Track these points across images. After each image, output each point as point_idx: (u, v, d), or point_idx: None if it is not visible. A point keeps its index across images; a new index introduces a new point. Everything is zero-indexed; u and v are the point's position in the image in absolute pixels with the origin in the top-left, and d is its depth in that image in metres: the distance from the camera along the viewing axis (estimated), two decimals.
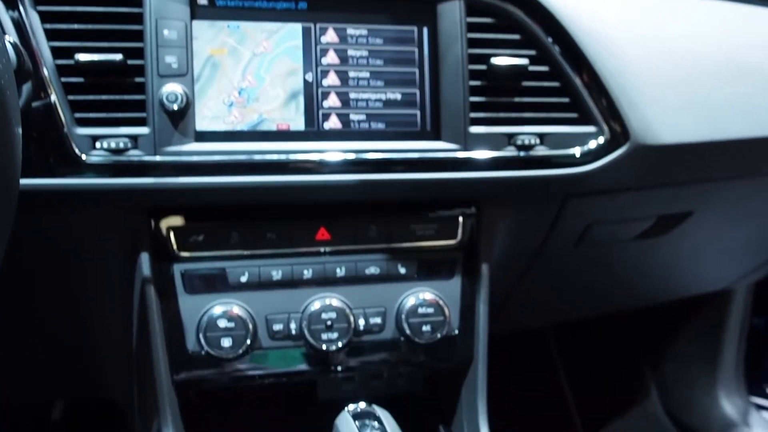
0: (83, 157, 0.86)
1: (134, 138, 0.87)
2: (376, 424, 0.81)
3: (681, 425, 2.14)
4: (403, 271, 1.02)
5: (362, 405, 0.85)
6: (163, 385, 0.96)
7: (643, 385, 2.23)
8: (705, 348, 2.08)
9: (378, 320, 1.01)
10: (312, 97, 0.94)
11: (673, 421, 2.17)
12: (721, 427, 2.04)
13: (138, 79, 0.89)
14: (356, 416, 0.82)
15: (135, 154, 0.87)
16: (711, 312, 2.03)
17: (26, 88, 0.82)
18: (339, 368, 1.03)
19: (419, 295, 1.02)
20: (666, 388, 2.20)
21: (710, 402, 2.09)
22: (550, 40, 1.00)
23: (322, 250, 1.00)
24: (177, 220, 0.95)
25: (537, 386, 2.36)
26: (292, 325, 0.99)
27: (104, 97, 0.88)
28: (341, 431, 0.80)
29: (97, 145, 0.86)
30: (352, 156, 0.93)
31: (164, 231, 0.95)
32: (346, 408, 0.84)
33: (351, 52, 0.96)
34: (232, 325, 0.95)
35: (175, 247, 0.95)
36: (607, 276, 1.44)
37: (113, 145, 0.86)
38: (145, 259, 0.95)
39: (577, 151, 1.00)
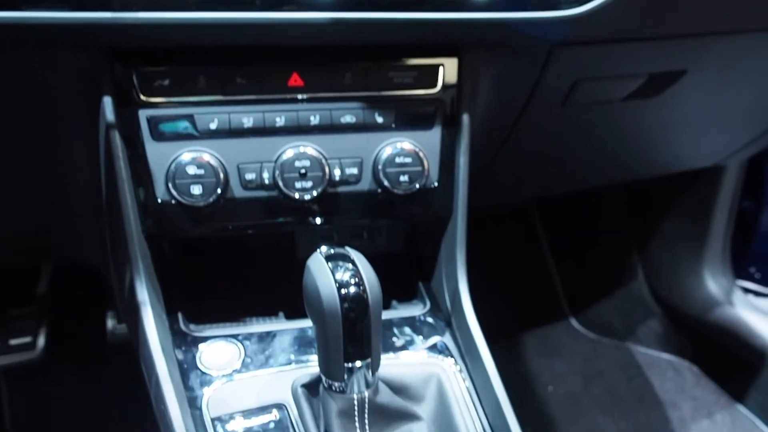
0: None
1: None
2: (349, 265, 0.79)
3: (665, 305, 2.17)
4: (380, 120, 0.98)
5: (336, 248, 0.83)
6: (133, 235, 0.94)
7: (630, 265, 2.25)
8: (693, 227, 2.08)
9: (354, 170, 0.98)
10: None
11: (658, 301, 2.20)
12: (705, 305, 2.07)
13: None
14: (329, 257, 0.80)
15: None
16: (700, 190, 2.02)
17: None
18: (315, 220, 1.01)
19: (397, 145, 0.99)
20: (652, 268, 2.21)
21: (695, 281, 2.10)
22: None
23: (295, 97, 0.96)
24: (140, 62, 0.90)
25: (522, 264, 2.37)
26: (265, 174, 0.96)
27: None
28: (313, 272, 0.78)
29: None
30: None
31: (127, 74, 0.90)
32: (319, 249, 0.82)
33: None
34: (201, 172, 0.92)
35: (139, 91, 0.91)
36: (595, 143, 1.41)
37: None
38: (108, 103, 0.91)
39: None
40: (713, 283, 2.10)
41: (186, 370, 0.93)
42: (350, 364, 0.80)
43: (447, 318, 1.06)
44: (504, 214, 2.26)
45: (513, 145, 1.26)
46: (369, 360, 0.81)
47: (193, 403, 0.89)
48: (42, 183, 1.06)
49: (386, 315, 1.06)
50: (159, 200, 0.94)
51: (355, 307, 0.77)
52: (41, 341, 1.69)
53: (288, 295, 1.01)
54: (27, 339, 1.69)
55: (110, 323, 1.55)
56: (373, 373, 0.83)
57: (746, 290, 2.17)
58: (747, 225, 2.17)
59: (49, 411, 1.73)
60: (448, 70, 1.00)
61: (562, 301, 2.34)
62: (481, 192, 1.33)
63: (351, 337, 0.78)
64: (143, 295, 0.94)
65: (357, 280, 0.78)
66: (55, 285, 1.79)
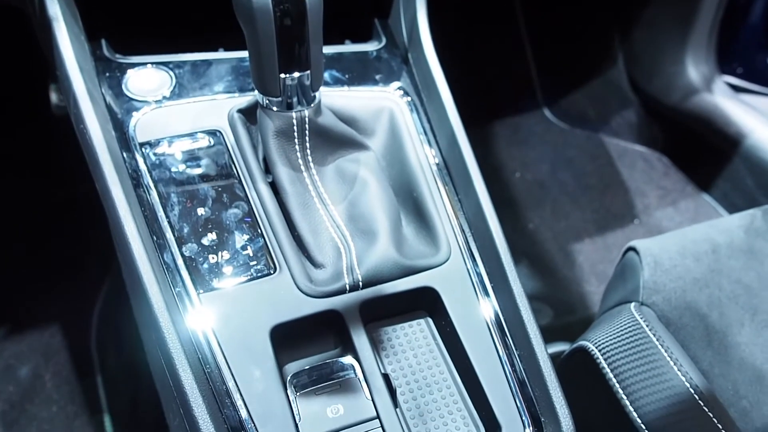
0: None
1: None
2: None
3: (643, 93, 2.10)
4: None
5: None
6: None
7: (610, 52, 2.14)
8: (679, 11, 1.96)
9: None
10: None
11: (636, 90, 2.13)
12: (685, 93, 2.00)
13: None
14: None
15: None
16: None
17: None
18: None
19: None
20: (633, 56, 2.12)
21: (677, 69, 2.02)
22: None
23: None
24: None
25: (497, 50, 2.26)
26: None
27: None
28: None
29: None
30: None
31: None
32: None
33: None
34: None
35: None
36: None
37: None
38: None
39: None
40: (695, 72, 2.02)
41: (111, 96, 0.85)
42: (287, 75, 0.72)
43: (404, 54, 0.97)
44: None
45: None
46: (308, 72, 0.73)
47: (118, 128, 0.82)
48: None
49: (337, 49, 0.96)
50: None
51: (290, 8, 0.67)
52: None
53: (228, 27, 0.90)
54: None
55: (54, 96, 1.45)
56: (313, 90, 0.75)
57: (729, 85, 2.10)
58: (736, 17, 2.05)
59: None
60: None
61: (536, 90, 2.26)
62: None
63: (286, 42, 0.69)
64: (54, 8, 0.83)
65: None
66: None
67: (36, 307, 1.51)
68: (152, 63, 0.90)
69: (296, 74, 0.72)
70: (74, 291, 1.53)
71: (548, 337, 1.45)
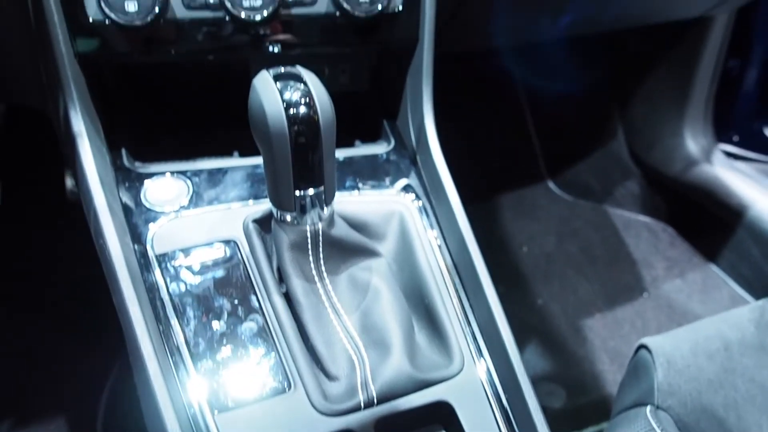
0: None
1: None
2: (299, 85, 0.71)
3: (644, 165, 2.13)
4: None
5: (286, 67, 0.75)
6: (63, 57, 0.85)
7: (610, 125, 2.19)
8: (675, 85, 2.01)
9: None
10: None
11: (637, 162, 2.16)
12: (684, 165, 2.03)
13: None
14: (277, 77, 0.72)
15: None
16: (684, 46, 1.92)
17: None
18: (268, 46, 0.92)
19: None
20: (632, 128, 2.16)
21: (676, 141, 2.05)
22: None
23: None
24: None
25: (501, 124, 2.31)
26: None
27: None
28: (259, 90, 0.71)
29: None
30: None
31: None
32: (265, 68, 0.74)
33: None
34: None
35: None
36: None
37: None
38: None
39: None
40: (693, 143, 2.05)
41: (129, 207, 0.87)
42: (301, 193, 0.74)
43: (412, 156, 1.00)
44: (483, 71, 2.16)
45: None
46: (322, 188, 0.75)
47: (137, 240, 0.84)
48: None
49: (347, 153, 0.99)
50: (91, 19, 0.84)
51: (305, 129, 0.70)
52: None
53: (242, 134, 0.93)
54: None
55: (69, 182, 1.48)
56: (327, 204, 0.77)
57: (727, 153, 2.13)
58: (731, 86, 2.10)
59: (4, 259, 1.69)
60: None
61: (540, 162, 2.29)
62: (455, 31, 1.23)
63: (301, 161, 0.72)
64: (78, 125, 0.86)
65: (307, 100, 0.70)
66: (8, 136, 1.70)
67: (43, 398, 1.51)
68: (170, 171, 0.92)
69: (311, 191, 0.74)
70: (84, 379, 1.53)
71: (562, 424, 1.44)
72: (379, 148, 1.02)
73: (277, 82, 0.71)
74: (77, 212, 0.98)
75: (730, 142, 2.16)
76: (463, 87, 2.18)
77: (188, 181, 0.91)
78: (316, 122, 0.70)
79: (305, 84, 0.71)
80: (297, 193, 0.74)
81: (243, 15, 0.86)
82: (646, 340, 0.90)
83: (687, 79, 1.99)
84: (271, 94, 0.70)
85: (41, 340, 1.60)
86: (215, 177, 0.93)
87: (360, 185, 0.95)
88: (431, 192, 0.95)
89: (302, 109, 0.69)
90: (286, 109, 0.69)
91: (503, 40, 1.52)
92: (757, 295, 1.84)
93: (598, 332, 1.75)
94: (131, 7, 0.83)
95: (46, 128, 1.40)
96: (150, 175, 0.91)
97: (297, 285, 0.78)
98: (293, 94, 0.70)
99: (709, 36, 1.90)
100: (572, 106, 2.27)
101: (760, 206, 1.84)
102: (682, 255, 2.03)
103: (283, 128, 0.69)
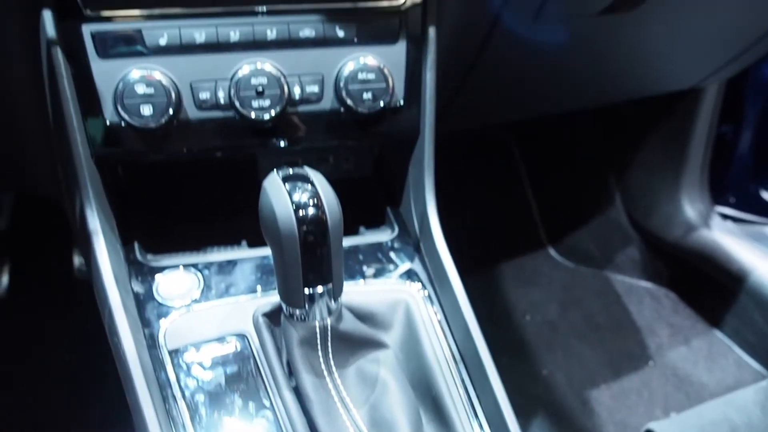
0: None
1: None
2: (308, 186, 0.74)
3: (643, 231, 2.16)
4: (341, 34, 0.92)
5: (295, 168, 0.79)
6: (81, 159, 0.88)
7: (608, 192, 2.22)
8: (670, 153, 2.05)
9: (315, 88, 0.93)
10: None
11: (636, 228, 2.18)
12: (683, 231, 2.05)
13: None
14: (286, 178, 0.75)
15: None
16: (677, 115, 1.97)
17: None
18: (276, 142, 0.95)
19: (360, 60, 0.93)
20: (630, 195, 2.19)
21: (673, 207, 2.08)
22: None
23: (250, 9, 0.89)
24: None
25: (499, 192, 2.34)
26: (220, 93, 0.90)
27: None
28: (269, 193, 0.74)
29: None
30: None
31: None
32: (275, 170, 0.77)
33: None
34: (151, 90, 0.86)
35: (81, 3, 0.84)
36: (569, 63, 1.35)
37: None
38: (48, 17, 0.84)
39: None
40: (691, 209, 2.08)
41: (142, 301, 0.89)
42: (310, 290, 0.76)
43: (415, 243, 1.03)
44: (481, 141, 2.22)
45: (485, 62, 1.20)
46: (330, 285, 0.77)
47: (150, 336, 0.86)
48: None
49: (353, 241, 1.02)
50: (108, 122, 0.88)
51: (314, 229, 0.73)
52: (4, 280, 1.64)
53: (250, 223, 0.96)
54: None
55: (77, 260, 1.50)
56: (335, 300, 0.79)
57: (724, 216, 2.16)
58: (725, 150, 2.14)
59: (13, 348, 1.70)
60: None
61: (539, 230, 2.32)
62: (454, 113, 1.28)
63: (310, 261, 0.74)
64: (94, 223, 0.89)
65: (316, 201, 0.73)
66: (18, 220, 1.73)
67: None
68: (182, 264, 0.95)
69: (320, 288, 0.76)
70: None
71: None
72: (383, 236, 1.05)
73: (286, 184, 0.74)
74: (86, 291, 1.01)
75: (726, 204, 2.19)
76: (461, 155, 2.23)
77: (199, 274, 0.94)
78: (324, 222, 0.73)
79: (313, 185, 0.75)
80: (306, 290, 0.76)
81: (253, 115, 0.90)
82: (653, 425, 0.91)
83: (681, 147, 2.03)
84: (280, 197, 0.73)
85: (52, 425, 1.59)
86: (225, 269, 0.95)
87: (365, 274, 0.98)
88: (435, 280, 0.97)
89: (311, 210, 0.73)
90: (296, 211, 0.72)
91: (500, 119, 1.57)
92: (763, 360, 1.84)
93: (605, 404, 1.75)
94: (146, 110, 0.87)
95: (53, 212, 1.43)
96: (161, 269, 0.94)
97: (307, 380, 0.79)
98: (302, 195, 0.73)
99: (700, 105, 1.95)
100: (570, 173, 2.31)
101: (760, 272, 1.85)
102: (686, 321, 2.04)
103: (293, 229, 0.72)
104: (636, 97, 1.76)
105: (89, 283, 0.91)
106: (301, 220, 0.72)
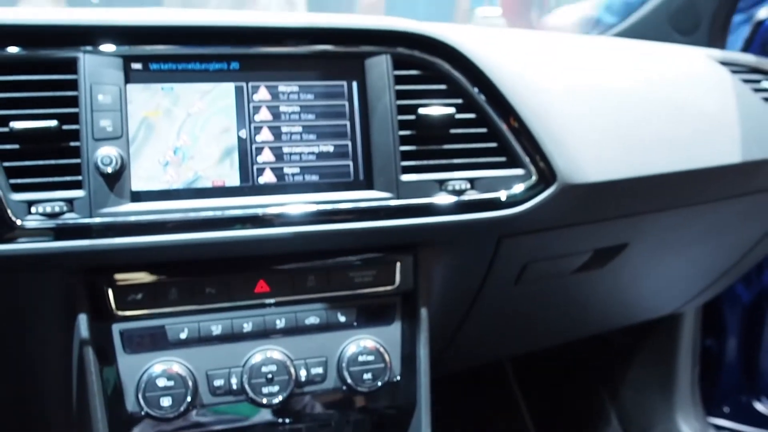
0: (18, 222, 0.86)
1: (70, 201, 0.88)
2: None
3: None
4: (342, 319, 1.04)
5: None
6: None
7: (603, 412, 2.25)
8: (659, 373, 2.12)
9: (319, 370, 1.02)
10: (246, 152, 0.96)
11: None
12: None
13: (73, 144, 0.89)
14: None
15: (71, 217, 0.88)
16: (662, 337, 2.07)
17: None
18: (282, 420, 1.03)
19: (360, 343, 1.03)
20: (626, 415, 2.22)
21: (669, 426, 2.11)
22: (475, 89, 1.03)
23: (261, 302, 1.01)
24: (115, 280, 0.95)
25: (496, 419, 2.36)
26: (233, 380, 0.99)
27: (40, 162, 0.88)
28: None
29: (33, 209, 0.87)
30: (287, 209, 0.95)
31: (102, 291, 0.95)
32: None
33: (283, 108, 0.98)
34: (171, 383, 0.95)
35: (113, 306, 0.95)
36: (551, 310, 1.47)
37: (49, 209, 0.87)
38: (83, 320, 0.95)
39: (506, 194, 1.03)
40: (686, 427, 2.11)
41: None
42: None
43: None
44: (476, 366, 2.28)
45: (471, 321, 1.31)
46: None
47: None
48: (12, 392, 1.08)
49: None
50: (129, 412, 0.96)
51: None
52: None
53: None
54: None
55: None
56: None
57: (719, 428, 2.18)
58: (713, 363, 2.21)
59: None
60: (404, 266, 1.07)
61: None
62: (447, 359, 1.37)
63: None
64: None
65: None
66: None
67: None
68: None
69: None
70: None
71: None
72: None
73: None
74: None
75: (721, 414, 2.22)
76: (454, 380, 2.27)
77: None
78: None
79: None
80: None
81: (264, 401, 0.99)
82: None
83: (669, 366, 2.10)
84: None
85: None
86: None
87: None
88: None
89: None
90: None
91: (492, 359, 1.66)
92: None
93: None
94: (166, 402, 0.95)
95: None
96: None
97: None
98: None
99: (682, 326, 2.06)
100: (564, 392, 2.35)
101: None
102: None
103: None
104: (618, 327, 1.86)
105: None
106: None
